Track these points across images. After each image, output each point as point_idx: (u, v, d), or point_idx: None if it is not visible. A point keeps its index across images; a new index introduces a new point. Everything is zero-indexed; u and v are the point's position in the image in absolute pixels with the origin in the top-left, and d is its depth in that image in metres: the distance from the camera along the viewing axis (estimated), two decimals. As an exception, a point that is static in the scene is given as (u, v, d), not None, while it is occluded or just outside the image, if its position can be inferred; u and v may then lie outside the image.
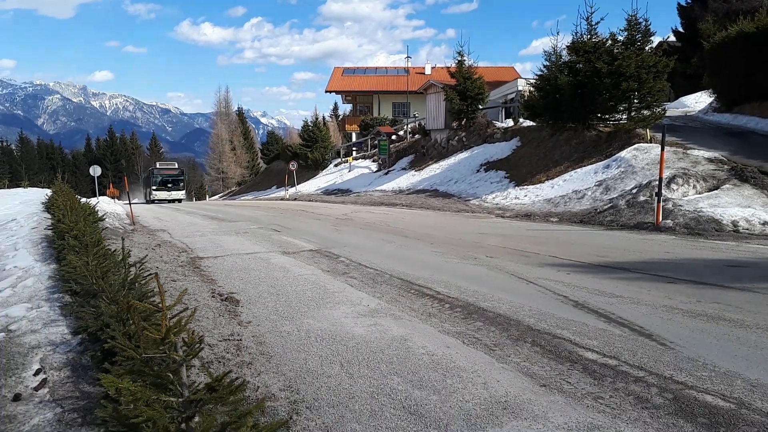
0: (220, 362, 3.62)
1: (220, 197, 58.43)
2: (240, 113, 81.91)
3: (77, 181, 71.08)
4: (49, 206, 9.92)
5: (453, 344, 3.93)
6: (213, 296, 5.60)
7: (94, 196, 25.61)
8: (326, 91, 48.81)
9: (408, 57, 45.03)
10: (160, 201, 36.76)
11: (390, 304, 5.13)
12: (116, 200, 33.91)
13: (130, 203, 16.24)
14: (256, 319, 4.80)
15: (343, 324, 4.53)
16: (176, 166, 42.96)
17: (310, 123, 47.15)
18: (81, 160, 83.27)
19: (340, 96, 52.12)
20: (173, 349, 1.72)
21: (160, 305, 1.83)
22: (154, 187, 38.26)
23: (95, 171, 28.23)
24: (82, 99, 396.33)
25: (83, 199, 10.32)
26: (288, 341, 4.14)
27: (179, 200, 37.65)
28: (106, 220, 9.90)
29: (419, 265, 7.14)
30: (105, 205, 16.56)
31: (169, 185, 38.76)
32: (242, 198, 44.12)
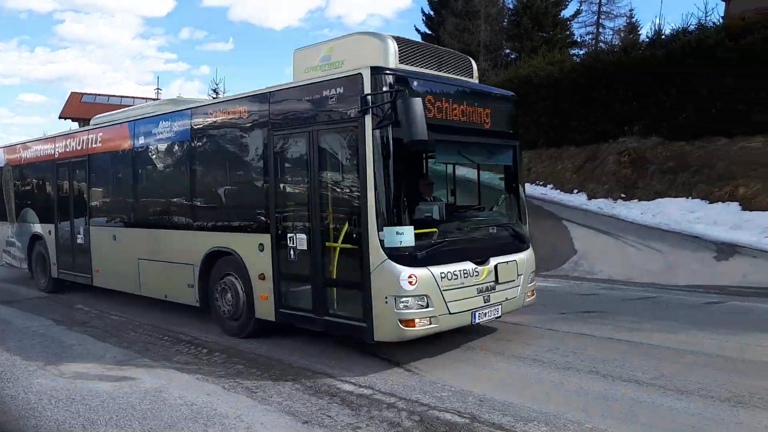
0: None
1: None
2: (-60, 134, 67.71)
3: None
4: None
5: (213, 391, 3.78)
6: None
7: None
8: (60, 117, 43.35)
9: (158, 89, 42.28)
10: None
11: (140, 354, 4.72)
12: None
13: None
14: (-33, 384, 3.99)
15: (83, 381, 4.02)
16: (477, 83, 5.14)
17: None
18: None
19: (77, 123, 46.83)
20: None
21: None
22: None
23: None
24: None
25: None
26: (13, 407, 3.54)
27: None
28: None
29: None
30: None
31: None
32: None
